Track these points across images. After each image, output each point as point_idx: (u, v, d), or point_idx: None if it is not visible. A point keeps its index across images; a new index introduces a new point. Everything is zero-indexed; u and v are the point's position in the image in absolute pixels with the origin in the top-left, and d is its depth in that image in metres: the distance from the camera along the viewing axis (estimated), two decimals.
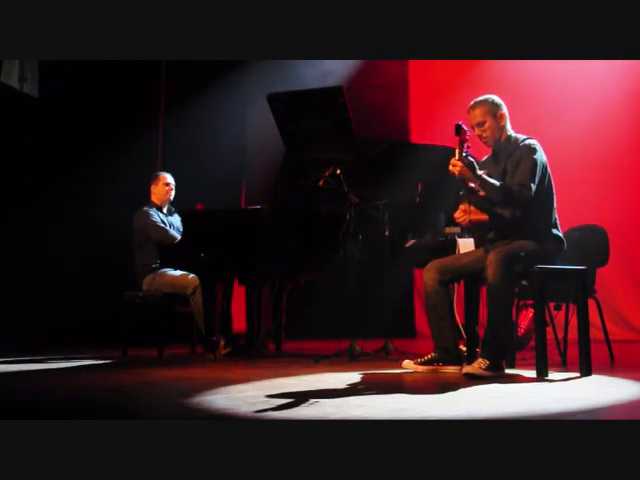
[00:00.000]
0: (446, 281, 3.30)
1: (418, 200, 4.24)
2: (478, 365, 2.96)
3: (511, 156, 3.23)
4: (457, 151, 3.07)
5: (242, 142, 7.35)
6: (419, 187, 4.25)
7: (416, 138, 7.18)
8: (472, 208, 3.20)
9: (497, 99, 3.31)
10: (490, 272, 3.00)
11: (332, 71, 6.23)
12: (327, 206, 4.38)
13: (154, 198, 4.77)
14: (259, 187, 6.86)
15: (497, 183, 3.10)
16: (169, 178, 4.79)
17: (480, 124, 3.24)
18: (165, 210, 4.77)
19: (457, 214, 3.26)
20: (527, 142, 3.22)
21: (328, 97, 4.15)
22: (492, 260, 3.02)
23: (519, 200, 3.11)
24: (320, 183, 4.18)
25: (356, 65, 6.68)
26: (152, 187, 4.79)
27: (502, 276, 2.97)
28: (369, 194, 4.25)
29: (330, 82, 5.86)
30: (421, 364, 3.27)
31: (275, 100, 4.26)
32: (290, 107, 4.28)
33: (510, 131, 3.31)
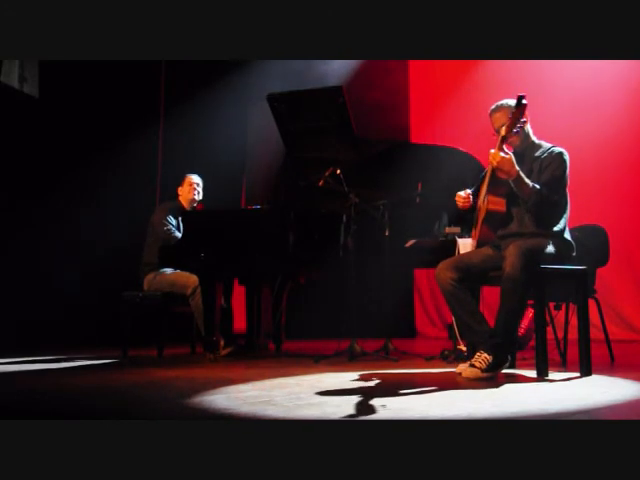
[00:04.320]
0: (463, 278, 3.21)
1: (418, 200, 4.25)
2: (479, 365, 2.95)
3: (538, 159, 3.22)
4: (506, 126, 3.05)
5: (242, 142, 7.36)
6: (419, 187, 4.25)
7: (416, 138, 7.19)
8: (491, 197, 3.18)
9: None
10: (509, 263, 2.96)
11: (332, 71, 6.23)
12: (327, 206, 4.39)
13: (181, 199, 4.77)
14: (259, 187, 6.87)
15: (531, 183, 3.09)
16: (195, 178, 4.79)
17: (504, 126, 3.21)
18: None
19: (459, 195, 3.26)
20: (559, 150, 3.22)
21: (328, 97, 4.15)
22: (512, 252, 2.99)
23: (547, 204, 3.11)
24: (320, 183, 4.18)
25: (356, 65, 6.68)
26: (178, 189, 4.79)
27: (521, 268, 2.93)
28: (369, 194, 4.25)
29: (330, 82, 5.87)
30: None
31: (275, 100, 4.26)
32: (290, 107, 4.28)
33: (533, 136, 3.31)
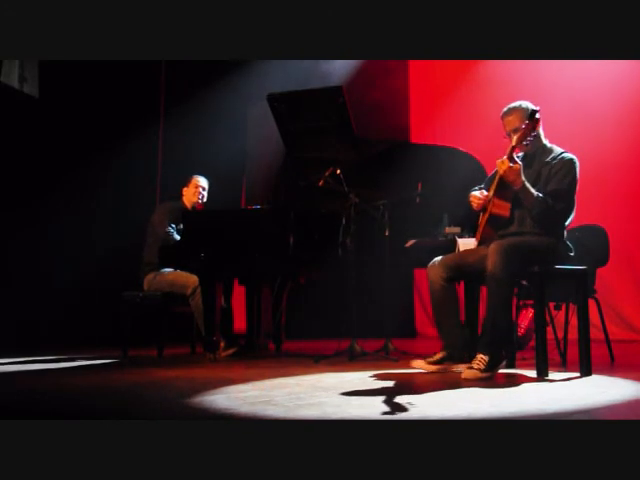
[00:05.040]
0: (453, 277, 3.26)
1: (418, 200, 4.24)
2: (477, 366, 2.96)
3: (548, 164, 3.22)
4: (517, 137, 3.08)
5: (242, 142, 7.36)
6: (419, 187, 4.25)
7: (416, 138, 7.18)
8: (496, 200, 3.19)
9: (531, 105, 3.28)
10: (490, 262, 2.98)
11: (333, 71, 6.23)
12: (327, 206, 4.38)
13: (185, 200, 4.75)
14: (259, 187, 6.86)
15: (535, 193, 3.10)
16: (201, 181, 4.77)
17: (517, 130, 3.19)
18: None
19: (477, 195, 3.25)
20: (569, 156, 3.23)
21: (328, 97, 4.15)
22: (492, 250, 3.01)
23: (551, 213, 3.12)
24: (320, 183, 4.18)
25: (356, 65, 6.68)
26: (184, 189, 4.76)
27: (503, 266, 2.95)
28: (369, 194, 4.25)
29: (330, 82, 5.87)
30: (431, 364, 3.25)
31: (275, 100, 4.26)
32: (290, 107, 4.28)
33: (545, 139, 3.31)
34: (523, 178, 3.08)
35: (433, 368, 3.25)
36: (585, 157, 5.90)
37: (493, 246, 3.03)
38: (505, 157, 3.10)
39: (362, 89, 6.71)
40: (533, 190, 3.11)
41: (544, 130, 3.35)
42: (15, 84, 5.49)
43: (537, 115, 3.05)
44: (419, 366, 3.29)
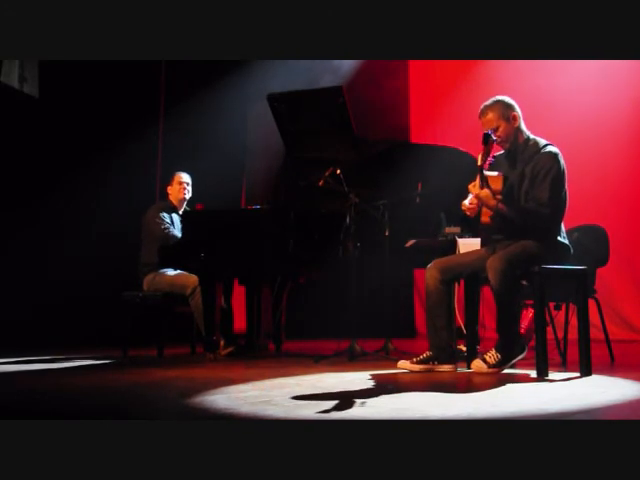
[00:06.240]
0: (448, 280, 3.33)
1: (418, 200, 4.24)
2: (489, 359, 3.07)
3: (530, 161, 3.20)
4: (479, 157, 3.12)
5: (242, 142, 7.35)
6: (419, 187, 4.25)
7: (416, 138, 7.18)
8: (485, 210, 3.20)
9: (508, 100, 3.27)
10: (492, 279, 3.04)
11: (333, 71, 6.23)
12: (327, 206, 4.38)
13: (172, 198, 4.77)
14: (259, 187, 6.86)
15: (512, 211, 3.12)
16: (184, 177, 4.79)
17: (494, 130, 3.20)
18: (181, 212, 4.77)
19: (466, 204, 3.26)
20: (549, 150, 3.19)
21: (328, 97, 4.15)
22: (492, 266, 3.05)
23: (536, 220, 3.14)
24: (320, 183, 4.18)
25: (356, 65, 6.68)
26: (168, 188, 4.79)
27: (505, 283, 3.03)
28: (369, 194, 4.25)
29: (331, 82, 5.86)
30: (416, 363, 3.29)
31: (275, 100, 4.26)
32: (290, 107, 4.27)
33: (526, 132, 3.28)
34: (494, 201, 3.11)
35: (418, 368, 3.28)
36: (585, 157, 5.95)
37: (491, 262, 3.07)
38: (477, 181, 3.15)
39: (362, 89, 6.71)
40: (509, 208, 3.12)
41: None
42: (15, 84, 5.49)
43: (493, 137, 3.12)
44: (404, 367, 3.32)
